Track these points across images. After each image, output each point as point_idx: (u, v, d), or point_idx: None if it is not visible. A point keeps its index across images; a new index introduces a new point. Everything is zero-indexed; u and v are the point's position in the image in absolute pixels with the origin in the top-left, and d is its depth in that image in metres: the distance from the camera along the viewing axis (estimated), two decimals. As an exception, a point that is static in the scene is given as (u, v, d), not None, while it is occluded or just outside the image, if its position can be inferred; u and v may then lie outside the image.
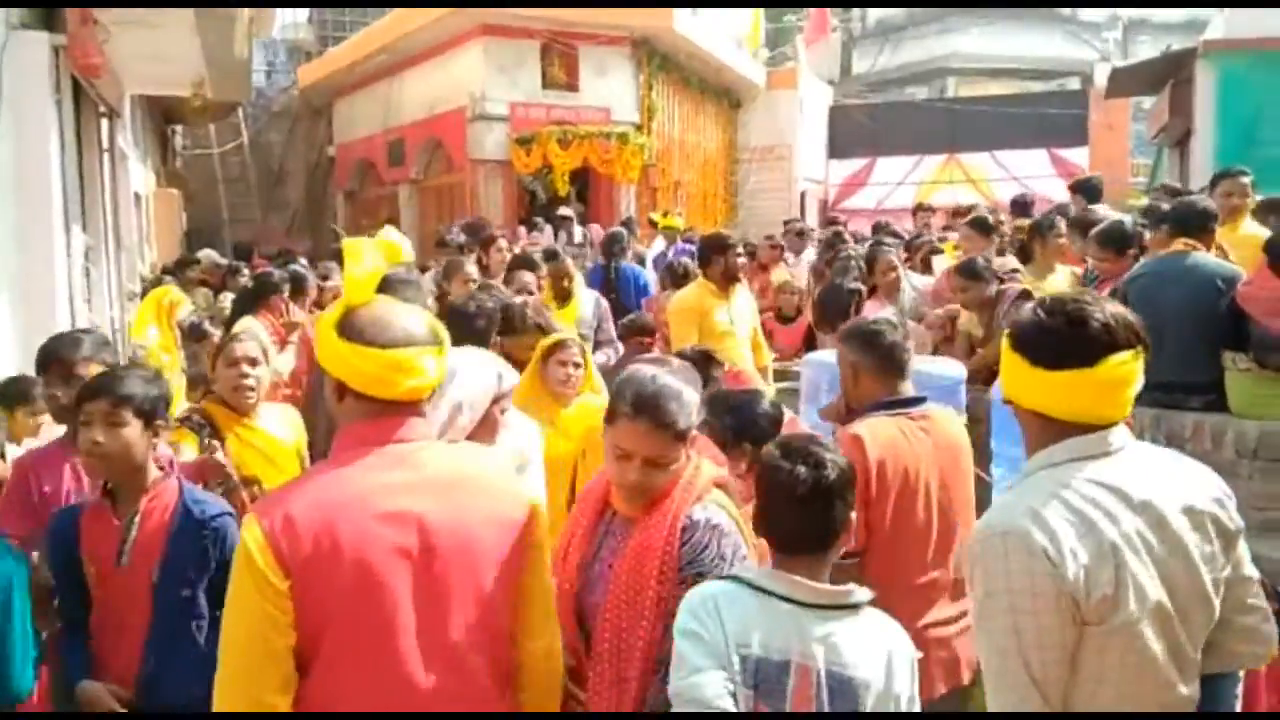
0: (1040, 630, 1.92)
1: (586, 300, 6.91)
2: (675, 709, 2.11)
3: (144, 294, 8.70)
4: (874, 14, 36.83)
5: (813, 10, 24.34)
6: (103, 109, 7.33)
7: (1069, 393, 2.02)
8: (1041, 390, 2.04)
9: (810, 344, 7.08)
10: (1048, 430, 2.07)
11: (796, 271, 9.53)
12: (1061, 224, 6.60)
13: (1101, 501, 1.98)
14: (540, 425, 3.89)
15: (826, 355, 5.61)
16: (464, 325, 4.04)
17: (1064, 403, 2.03)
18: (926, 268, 7.29)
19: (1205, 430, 4.69)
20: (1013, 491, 2.10)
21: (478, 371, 3.05)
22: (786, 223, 11.93)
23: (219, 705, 1.99)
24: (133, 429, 2.83)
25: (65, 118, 5.77)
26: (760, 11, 23.99)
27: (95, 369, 3.27)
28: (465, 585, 2.07)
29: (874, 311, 6.97)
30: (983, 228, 6.89)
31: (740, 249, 6.55)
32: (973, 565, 2.02)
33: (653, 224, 11.73)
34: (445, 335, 2.19)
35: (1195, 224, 5.21)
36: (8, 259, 5.13)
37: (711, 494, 2.42)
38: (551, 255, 7.39)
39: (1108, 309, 2.04)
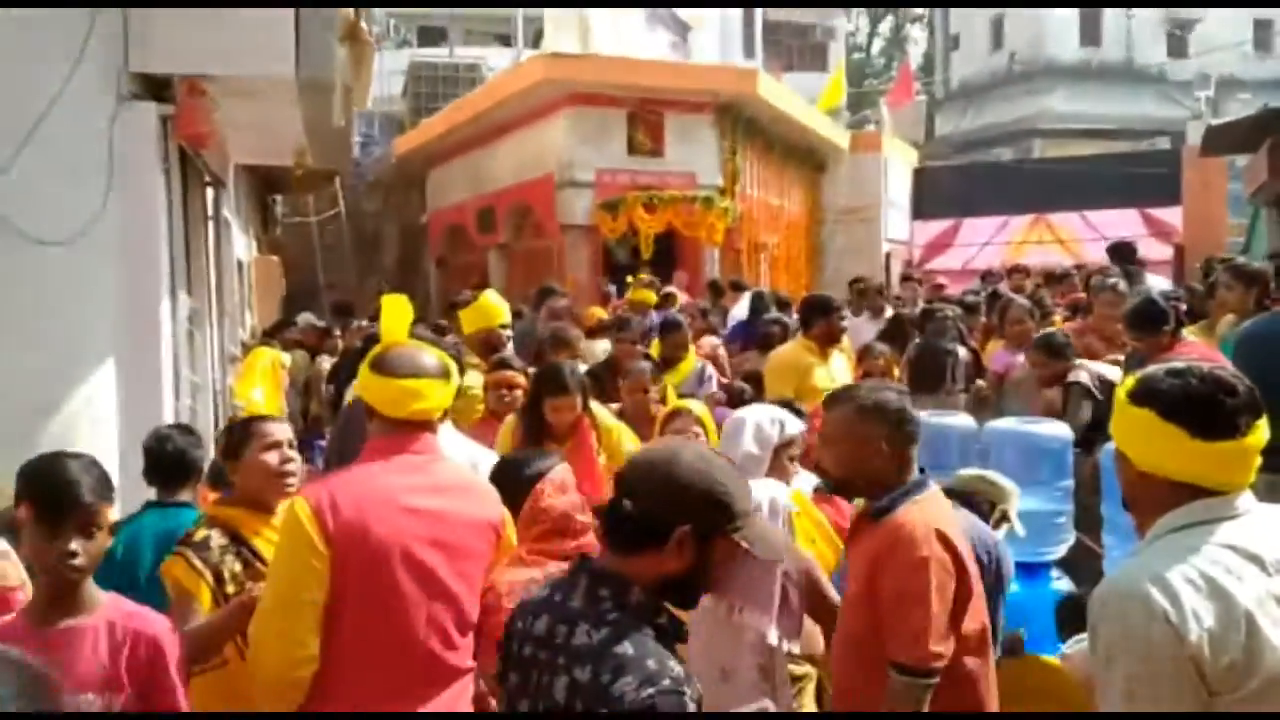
0: (1156, 698, 1.86)
1: (695, 367, 6.92)
2: None
3: (244, 356, 8.94)
4: (957, 76, 36.84)
5: (896, 73, 24.37)
6: (208, 178, 7.59)
7: (1225, 462, 1.98)
8: (1200, 461, 1.98)
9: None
10: (1177, 496, 2.01)
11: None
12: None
13: (1231, 565, 1.91)
14: None
15: (920, 416, 5.51)
16: None
17: (1218, 472, 1.99)
18: None
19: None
20: (1137, 555, 2.04)
21: (757, 424, 3.49)
22: (852, 282, 11.04)
23: (256, 637, 2.51)
24: None
25: (173, 187, 5.96)
26: (841, 73, 24.12)
27: (107, 515, 2.47)
28: (455, 569, 2.62)
29: (1003, 360, 6.87)
30: (1247, 277, 6.09)
31: (843, 312, 6.59)
32: (1092, 627, 1.97)
33: (736, 287, 11.68)
34: (454, 370, 2.77)
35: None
36: (116, 322, 5.29)
37: None
38: (675, 326, 7.22)
39: (1233, 371, 2.04)
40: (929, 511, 2.80)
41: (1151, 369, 2.11)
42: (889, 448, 2.85)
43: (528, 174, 15.08)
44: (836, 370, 6.32)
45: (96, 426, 5.04)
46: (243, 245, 10.81)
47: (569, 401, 4.45)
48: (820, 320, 6.28)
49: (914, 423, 2.90)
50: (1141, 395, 2.04)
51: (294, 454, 3.24)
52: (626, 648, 1.89)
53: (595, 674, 1.87)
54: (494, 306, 6.21)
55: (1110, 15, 33.41)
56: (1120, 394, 2.10)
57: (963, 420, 5.29)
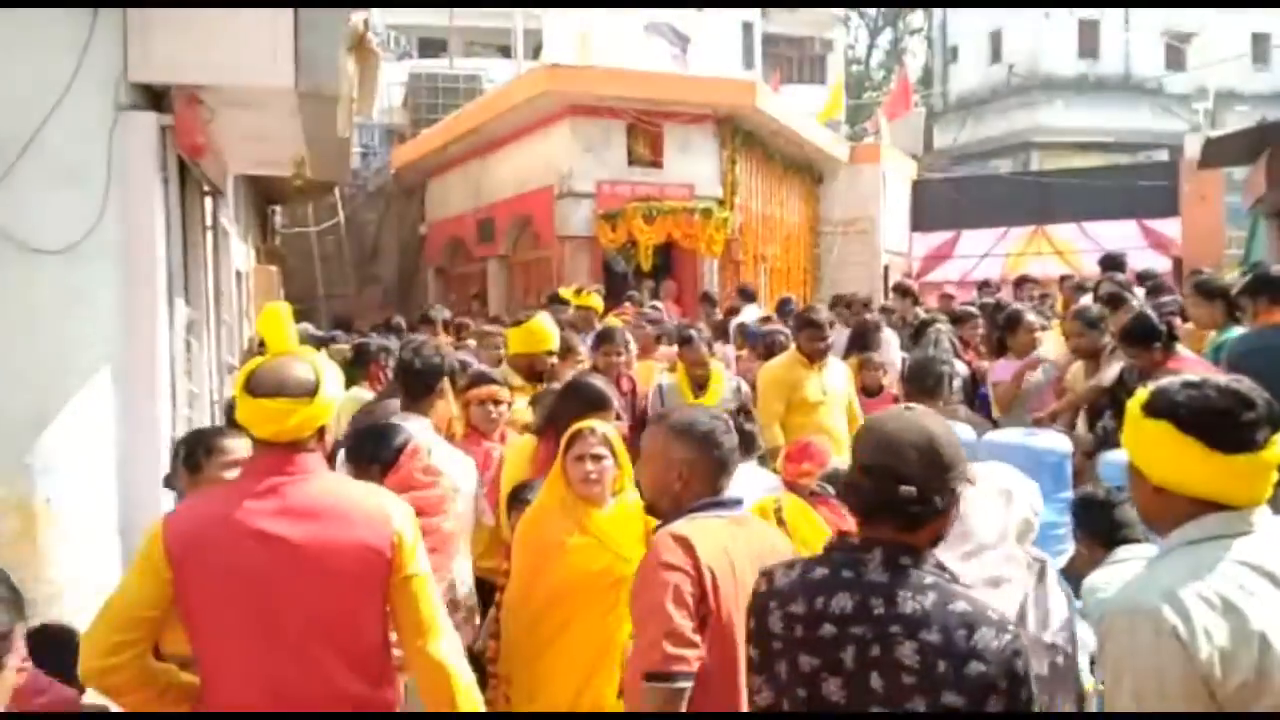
0: (1166, 715, 1.83)
1: (728, 385, 6.56)
2: None
3: (241, 366, 8.93)
4: (955, 89, 36.94)
5: (894, 86, 24.45)
6: (207, 188, 7.58)
7: (1244, 476, 1.94)
8: (1219, 476, 1.95)
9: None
10: (1193, 510, 1.98)
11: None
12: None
13: (1245, 581, 1.88)
14: (567, 534, 3.58)
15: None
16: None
17: (1237, 487, 1.95)
18: None
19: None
20: (1147, 569, 2.01)
21: (1030, 494, 3.45)
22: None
23: (83, 641, 2.54)
24: None
25: (171, 196, 5.96)
26: (840, 85, 24.21)
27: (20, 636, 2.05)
28: (316, 597, 2.54)
29: (1007, 371, 6.85)
30: (1209, 292, 6.21)
31: (829, 328, 6.58)
32: (1101, 643, 1.95)
33: (746, 295, 11.62)
34: (327, 384, 2.64)
35: (1268, 291, 5.06)
36: (113, 332, 5.28)
37: None
38: (685, 340, 6.75)
39: (1251, 383, 2.01)
40: (695, 523, 2.72)
41: (1166, 381, 2.07)
42: (691, 472, 2.82)
43: (527, 185, 15.10)
44: (831, 381, 6.34)
45: (93, 436, 5.03)
46: (241, 255, 10.81)
47: (609, 418, 4.40)
48: (805, 335, 6.40)
49: (723, 448, 2.86)
50: (1158, 407, 2.01)
51: None
52: (963, 605, 2.05)
53: (948, 634, 2.01)
54: (544, 331, 6.05)
55: (1108, 28, 33.53)
56: (1134, 407, 2.06)
57: (960, 431, 5.28)
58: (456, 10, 22.44)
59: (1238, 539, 1.93)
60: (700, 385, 6.42)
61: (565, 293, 9.76)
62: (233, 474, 3.10)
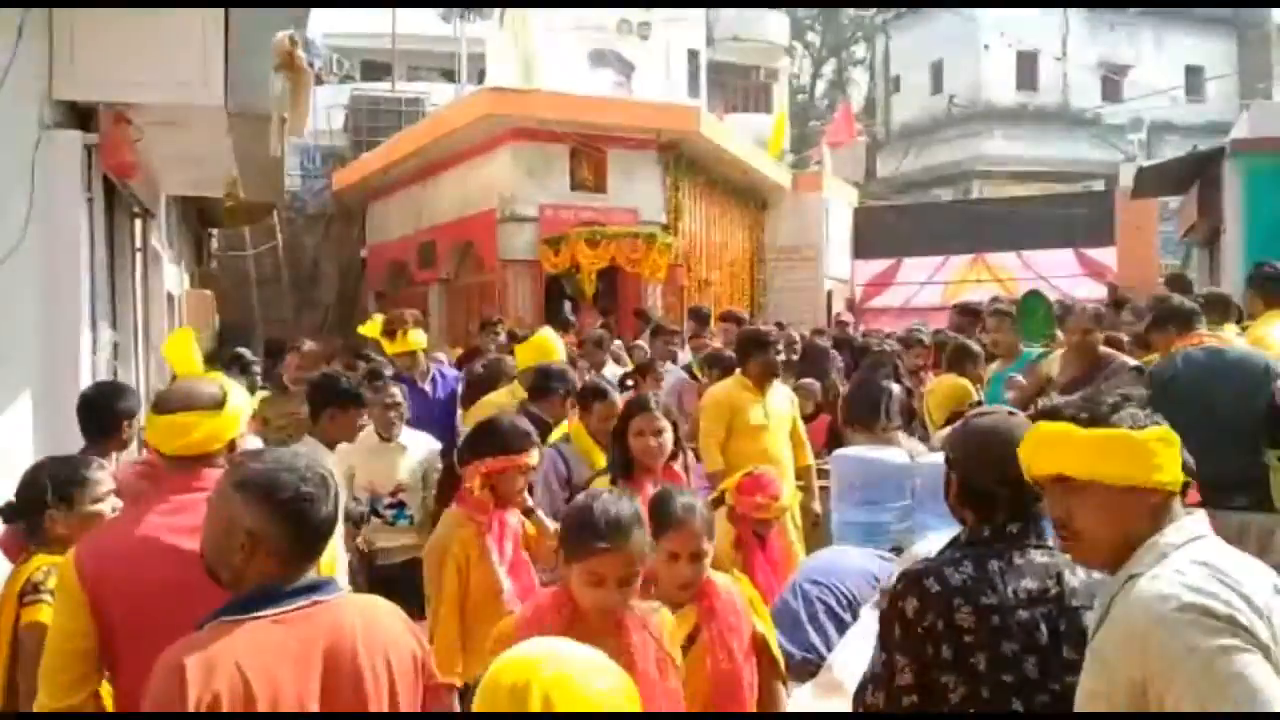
0: (1245, 663, 1.78)
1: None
2: None
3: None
4: (898, 118, 37.43)
5: (837, 114, 24.75)
6: (136, 209, 7.43)
7: (1165, 450, 2.01)
8: (1168, 453, 2.01)
9: (835, 440, 6.95)
10: (1148, 519, 2.00)
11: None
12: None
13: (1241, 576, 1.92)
14: None
15: (855, 451, 5.51)
16: None
17: (1167, 467, 2.02)
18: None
19: (1252, 531, 4.52)
20: (1149, 578, 1.93)
21: None
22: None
23: (39, 691, 2.51)
24: None
25: (96, 216, 5.82)
26: (784, 117, 24.44)
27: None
28: None
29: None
30: (1014, 318, 7.14)
31: (780, 346, 6.44)
32: (1132, 654, 1.88)
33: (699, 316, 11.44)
34: (234, 398, 2.70)
35: (1175, 321, 5.21)
36: (33, 354, 5.15)
37: None
38: (600, 394, 5.40)
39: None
40: (205, 639, 2.08)
41: (1067, 402, 2.15)
42: (256, 546, 2.15)
43: (469, 208, 15.03)
44: (775, 406, 6.20)
45: (10, 464, 4.86)
46: (174, 278, 10.61)
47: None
48: (757, 355, 6.16)
49: (309, 522, 2.17)
50: (1074, 418, 2.06)
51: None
52: (1095, 574, 2.26)
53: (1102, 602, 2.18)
54: (550, 344, 6.26)
55: (1046, 60, 34.19)
56: (1074, 428, 2.03)
57: (897, 455, 5.31)
58: (400, 32, 22.30)
59: (1207, 541, 1.97)
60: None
61: (370, 329, 7.42)
62: (106, 506, 3.14)
